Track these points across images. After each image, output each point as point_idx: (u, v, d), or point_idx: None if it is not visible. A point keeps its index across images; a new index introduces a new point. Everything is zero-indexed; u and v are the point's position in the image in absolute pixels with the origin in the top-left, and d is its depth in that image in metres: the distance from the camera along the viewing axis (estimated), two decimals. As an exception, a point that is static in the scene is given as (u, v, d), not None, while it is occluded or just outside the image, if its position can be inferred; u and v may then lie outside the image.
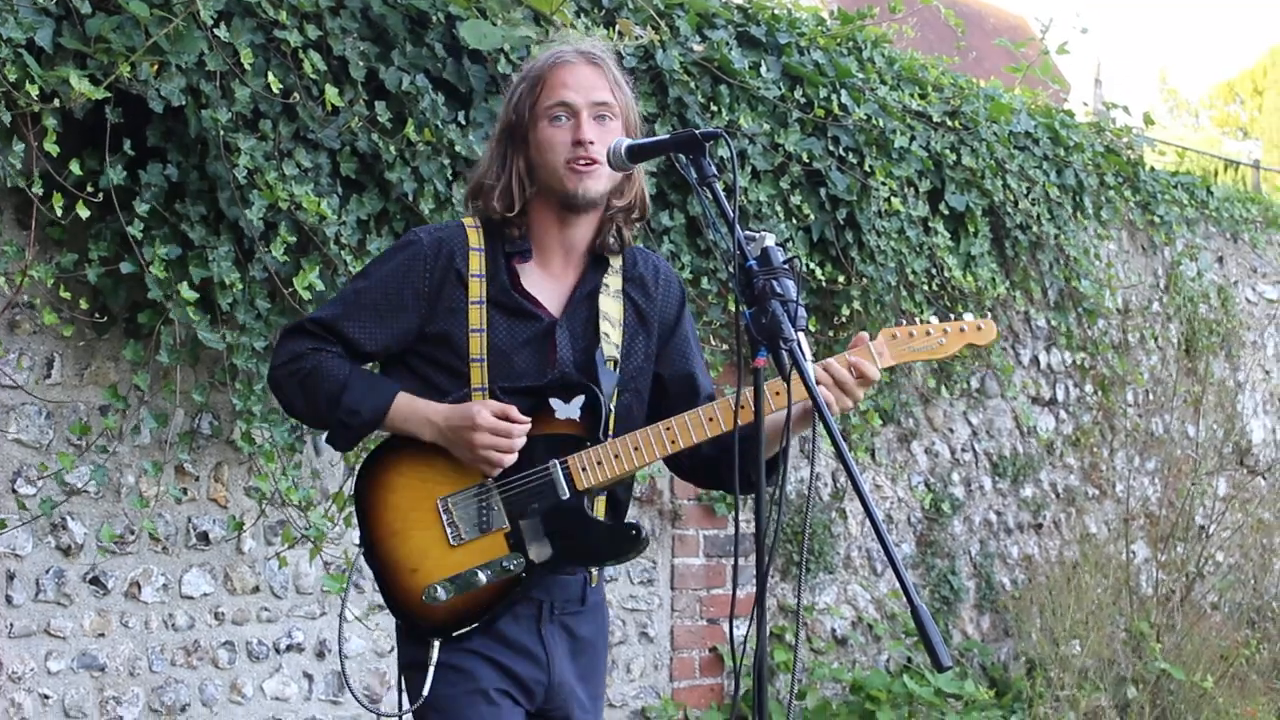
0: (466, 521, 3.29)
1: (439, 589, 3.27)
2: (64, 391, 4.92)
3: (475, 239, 3.36)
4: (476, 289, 3.32)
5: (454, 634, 3.27)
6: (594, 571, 3.44)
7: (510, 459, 3.26)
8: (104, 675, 5.01)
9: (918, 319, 3.53)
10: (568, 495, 3.29)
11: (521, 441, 3.25)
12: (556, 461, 3.30)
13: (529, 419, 3.26)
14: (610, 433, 3.35)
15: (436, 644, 3.26)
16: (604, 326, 3.39)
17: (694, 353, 3.59)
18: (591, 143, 3.31)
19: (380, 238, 5.21)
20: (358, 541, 3.41)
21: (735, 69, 6.43)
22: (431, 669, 3.25)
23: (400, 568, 3.31)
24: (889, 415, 7.65)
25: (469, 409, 3.24)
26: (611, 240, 3.43)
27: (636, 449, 3.32)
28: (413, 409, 3.29)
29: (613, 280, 3.44)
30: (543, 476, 3.29)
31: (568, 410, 3.31)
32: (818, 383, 3.14)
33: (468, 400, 3.28)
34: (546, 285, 3.39)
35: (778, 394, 3.25)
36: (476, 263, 3.33)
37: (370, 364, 3.44)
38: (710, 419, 3.34)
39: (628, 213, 3.45)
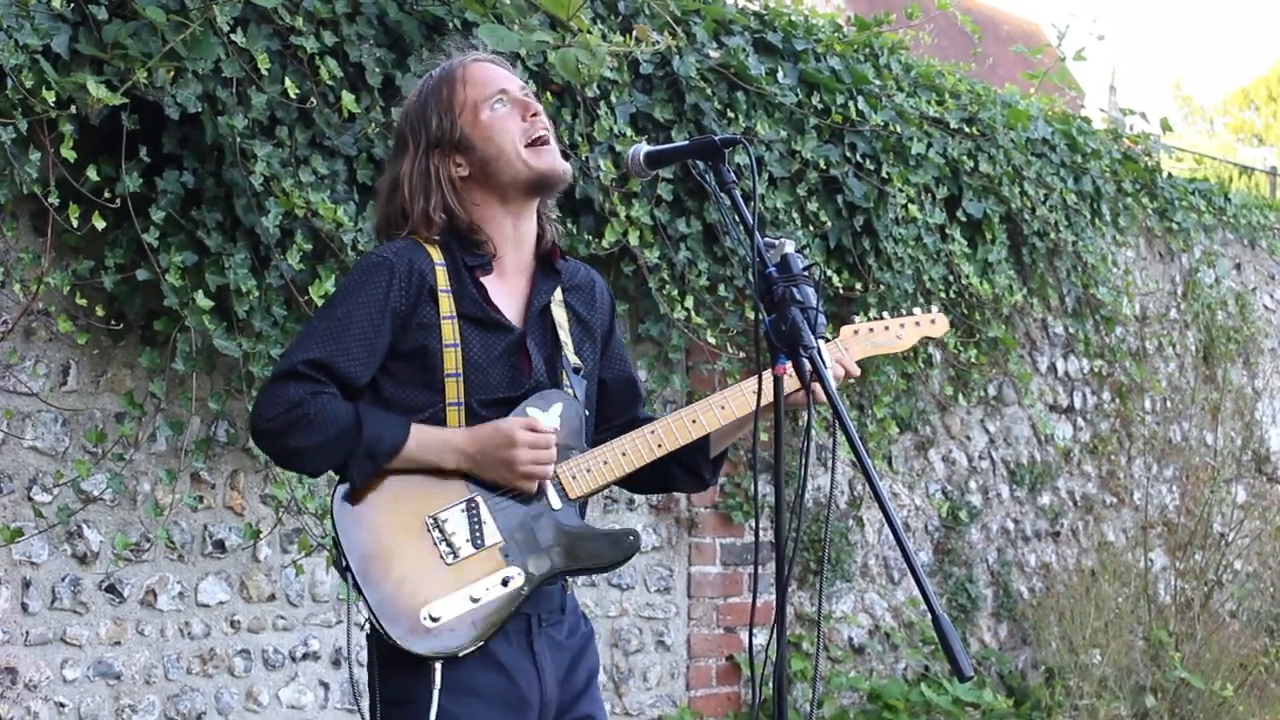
0: (459, 538, 3.19)
1: (438, 609, 3.15)
2: (80, 399, 4.92)
3: (435, 254, 3.27)
4: (446, 304, 3.24)
5: (459, 654, 3.14)
6: (569, 578, 3.38)
7: (551, 470, 3.22)
8: (120, 683, 5.00)
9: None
10: (561, 505, 3.26)
11: (554, 453, 3.22)
12: None
13: (556, 426, 3.24)
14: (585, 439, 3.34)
15: (439, 666, 3.13)
16: (561, 335, 3.36)
17: (628, 357, 3.62)
18: (539, 113, 3.29)
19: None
20: (339, 567, 3.22)
21: (752, 75, 6.41)
22: (435, 708, 3.11)
23: (394, 591, 3.16)
24: (906, 423, 7.62)
25: (502, 428, 3.18)
26: (554, 239, 3.41)
27: (624, 454, 3.31)
28: (434, 437, 3.19)
29: (556, 291, 3.41)
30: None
31: (548, 419, 3.26)
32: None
33: (441, 416, 3.21)
34: (507, 296, 3.33)
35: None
36: (443, 278, 3.25)
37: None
38: (694, 421, 3.36)
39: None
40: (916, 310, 3.77)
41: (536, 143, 3.28)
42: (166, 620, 5.12)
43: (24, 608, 4.82)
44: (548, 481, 3.25)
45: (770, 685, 2.98)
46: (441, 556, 3.19)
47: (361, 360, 3.20)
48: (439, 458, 3.19)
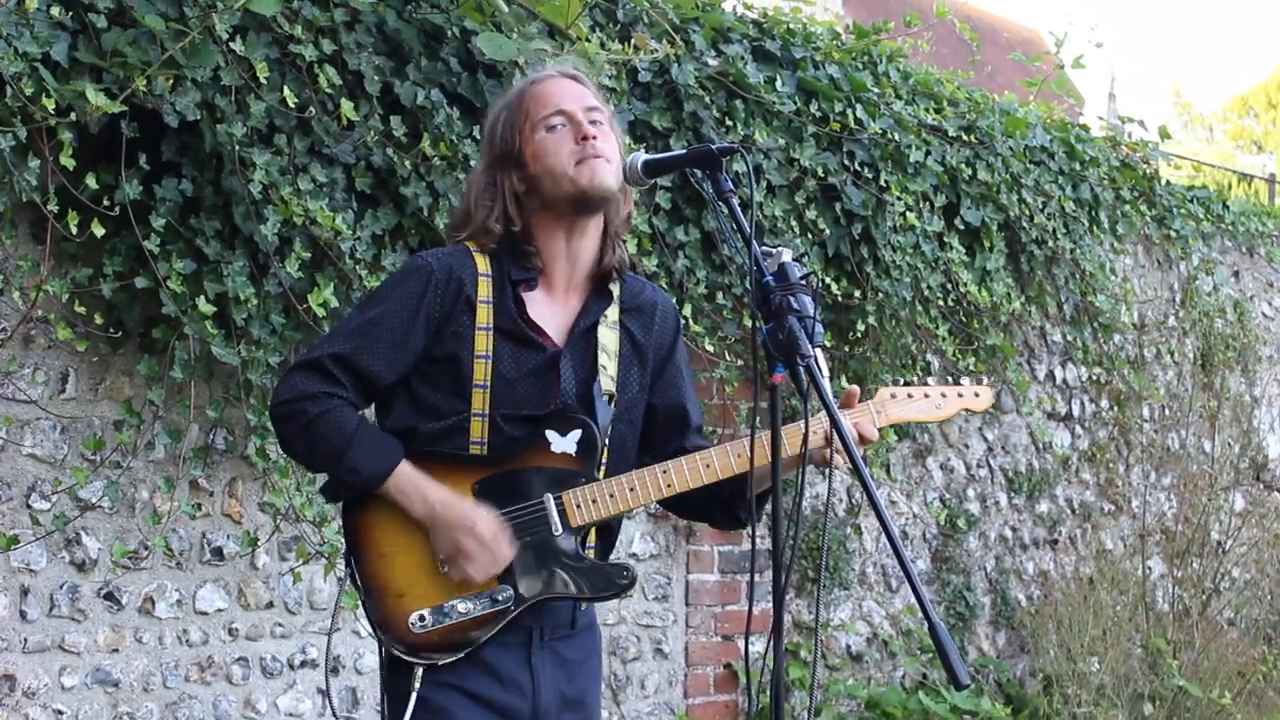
0: None
1: (425, 616, 3.20)
2: (78, 406, 4.92)
3: (482, 264, 3.30)
4: (484, 315, 3.26)
5: (439, 663, 3.20)
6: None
7: (482, 580, 3.22)
8: (118, 691, 5.00)
9: (916, 381, 3.58)
10: (560, 531, 3.26)
11: (500, 569, 3.22)
12: (551, 496, 3.26)
13: (512, 553, 3.23)
14: (604, 467, 3.33)
15: (419, 671, 3.20)
16: (601, 359, 3.35)
17: (686, 384, 3.58)
18: (595, 137, 3.28)
19: (395, 253, 5.21)
20: (345, 559, 3.33)
21: (750, 84, 6.42)
22: (412, 703, 3.18)
23: (387, 591, 3.24)
24: (904, 431, 7.62)
25: (471, 514, 3.20)
26: (618, 263, 3.40)
27: (632, 490, 3.31)
28: (413, 483, 3.21)
29: (611, 311, 3.41)
30: (536, 510, 3.25)
31: (564, 444, 3.27)
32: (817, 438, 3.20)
33: (465, 425, 3.24)
34: (551, 314, 3.34)
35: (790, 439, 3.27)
36: (485, 289, 3.28)
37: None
38: (708, 465, 3.34)
39: (622, 228, 3.43)
40: (965, 380, 3.71)
41: (584, 160, 3.28)
42: (165, 628, 5.12)
43: (22, 615, 4.82)
44: (551, 507, 3.25)
45: (768, 693, 2.99)
46: (437, 565, 3.23)
47: (385, 360, 3.24)
48: (409, 504, 3.23)
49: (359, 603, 3.30)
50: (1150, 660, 8.02)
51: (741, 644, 6.81)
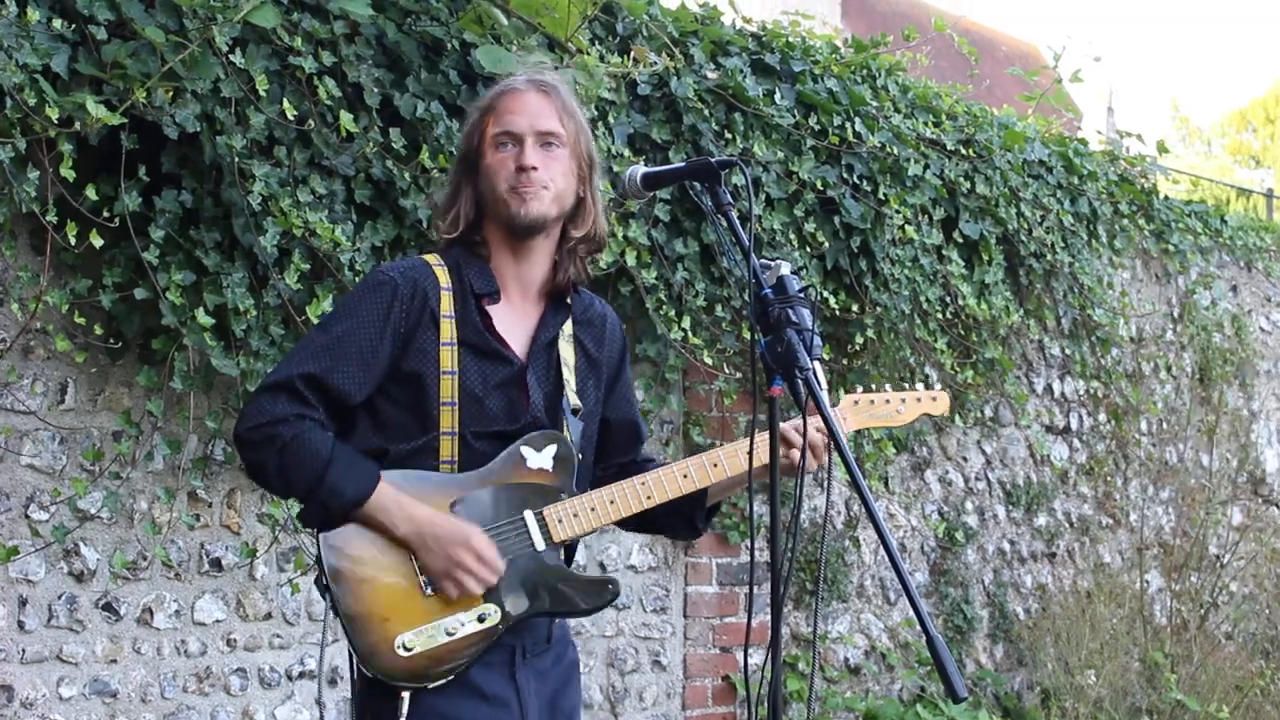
0: None
1: (412, 639, 3.17)
2: (77, 417, 4.92)
3: (444, 278, 3.28)
4: (448, 330, 3.24)
5: (428, 686, 3.17)
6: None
7: (478, 593, 3.20)
8: (116, 701, 5.00)
9: (874, 387, 3.65)
10: (543, 547, 3.26)
11: (494, 581, 3.20)
12: (531, 512, 3.26)
13: (504, 566, 3.22)
14: (577, 481, 3.33)
15: (406, 696, 3.16)
16: (564, 373, 3.35)
17: (634, 399, 3.62)
18: (534, 168, 3.27)
19: (394, 264, 5.21)
20: (320, 585, 3.24)
21: (749, 96, 6.43)
22: None
23: (371, 616, 3.18)
24: (902, 444, 7.63)
25: (463, 528, 3.18)
26: (573, 279, 3.39)
27: (613, 503, 3.32)
28: (396, 503, 3.17)
29: (566, 325, 3.41)
30: (517, 527, 3.24)
31: (539, 460, 3.27)
32: (786, 441, 3.22)
33: (435, 445, 3.21)
34: (513, 327, 3.33)
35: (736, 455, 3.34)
36: (447, 303, 3.26)
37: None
38: (685, 476, 3.37)
39: (587, 244, 3.42)
40: (920, 385, 3.78)
41: (515, 190, 3.28)
42: (163, 638, 5.11)
43: (20, 625, 4.82)
44: (533, 523, 3.25)
45: (766, 706, 2.99)
46: (420, 587, 3.20)
47: (356, 379, 3.20)
48: (391, 524, 3.18)
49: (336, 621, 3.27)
50: (1148, 674, 8.02)
51: (740, 656, 6.81)
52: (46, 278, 4.68)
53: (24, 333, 4.74)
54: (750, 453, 3.18)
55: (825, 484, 3.24)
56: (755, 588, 6.78)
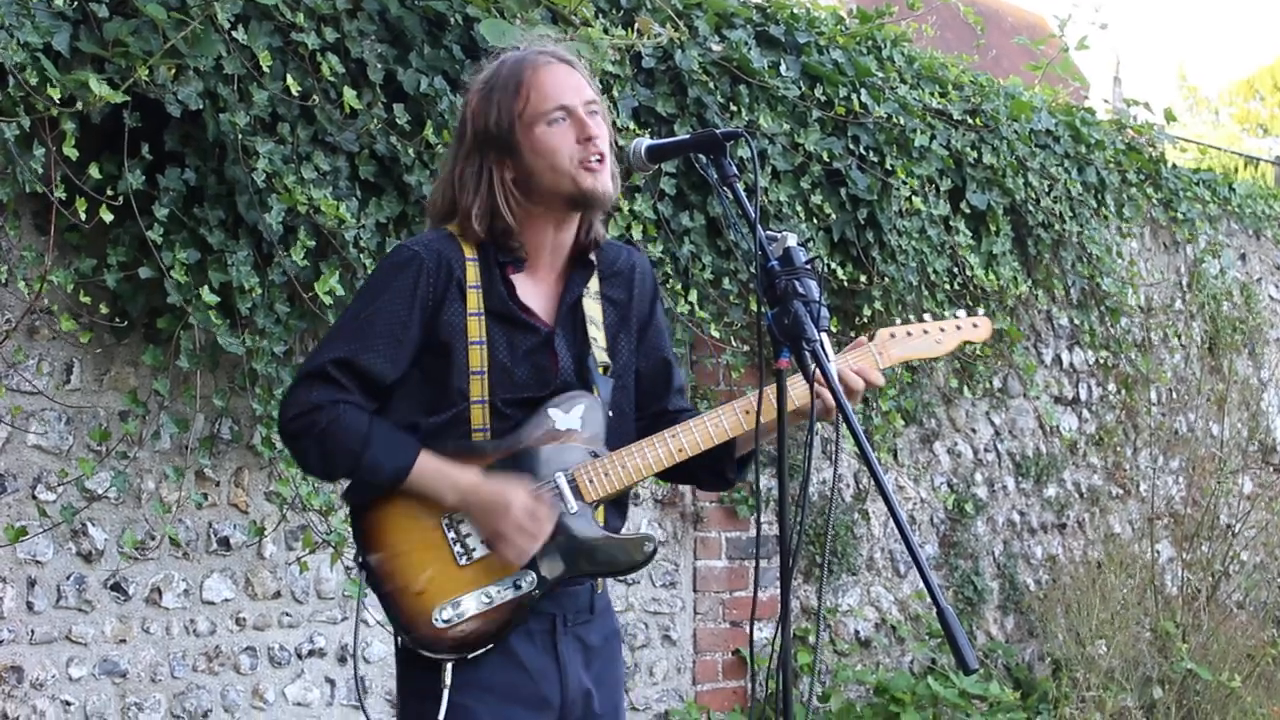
0: (474, 539, 3.20)
1: (450, 610, 3.17)
2: (83, 397, 4.92)
3: (468, 249, 3.25)
4: (474, 300, 3.22)
5: (469, 655, 3.16)
6: (600, 579, 3.38)
7: (533, 552, 3.18)
8: (125, 681, 5.00)
9: (913, 319, 3.54)
10: (575, 508, 3.24)
11: (543, 540, 3.19)
12: (562, 473, 3.23)
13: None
14: (608, 439, 3.31)
15: (449, 667, 3.16)
16: (591, 331, 3.33)
17: (667, 343, 3.57)
18: (598, 137, 3.24)
19: (399, 241, 5.19)
20: (357, 563, 3.27)
21: (754, 69, 6.40)
22: (444, 706, 3.13)
23: (406, 589, 3.19)
24: (911, 416, 7.61)
25: (504, 492, 3.16)
26: (596, 237, 3.36)
27: (644, 458, 3.29)
28: (439, 471, 3.17)
29: (592, 282, 3.38)
30: (550, 489, 3.22)
31: (568, 420, 3.25)
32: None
33: (466, 415, 3.20)
34: (538, 294, 3.31)
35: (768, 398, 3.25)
36: (473, 273, 3.24)
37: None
38: (717, 425, 3.32)
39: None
40: (961, 312, 3.68)
41: (589, 165, 3.23)
42: (172, 618, 5.12)
43: (29, 606, 4.82)
44: (564, 485, 3.23)
45: (776, 679, 2.98)
46: (455, 557, 3.20)
47: (387, 357, 3.20)
48: (438, 492, 3.18)
49: (367, 591, 3.27)
50: (1159, 644, 8.01)
51: (749, 629, 6.81)
52: (51, 257, 4.67)
53: (29, 313, 4.74)
54: (780, 398, 3.10)
55: (834, 456, 3.23)
56: (763, 561, 6.77)
